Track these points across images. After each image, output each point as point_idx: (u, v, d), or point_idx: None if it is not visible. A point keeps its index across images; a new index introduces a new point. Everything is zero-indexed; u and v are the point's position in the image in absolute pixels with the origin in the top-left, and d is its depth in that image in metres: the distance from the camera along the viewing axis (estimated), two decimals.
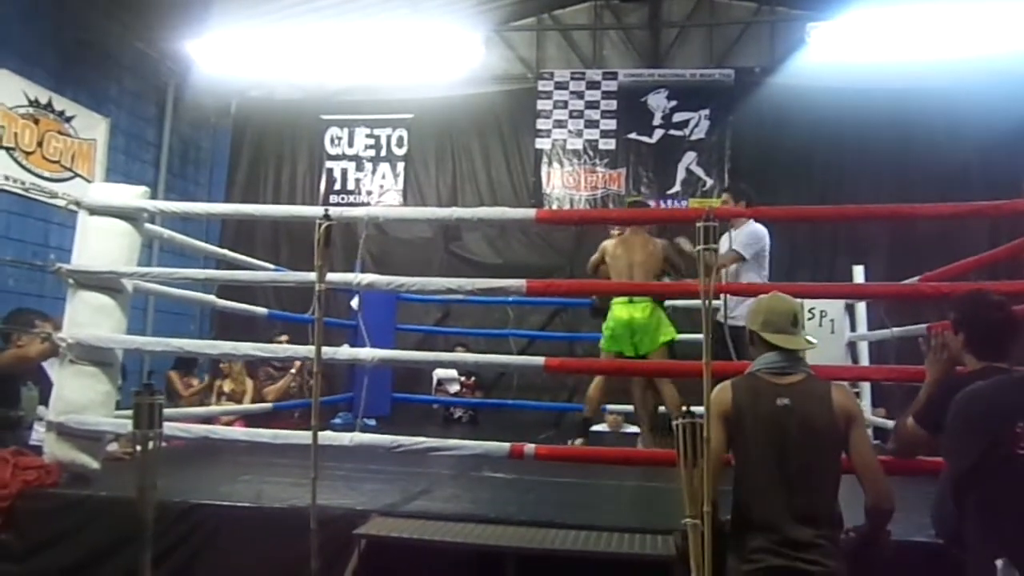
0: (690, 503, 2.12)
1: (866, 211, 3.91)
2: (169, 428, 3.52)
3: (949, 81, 7.55)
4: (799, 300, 2.65)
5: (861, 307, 6.56)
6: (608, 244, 5.35)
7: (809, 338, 2.57)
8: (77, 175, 7.07)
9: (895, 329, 5.61)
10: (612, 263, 5.21)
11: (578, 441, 5.17)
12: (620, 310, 5.08)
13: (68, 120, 7.00)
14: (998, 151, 7.39)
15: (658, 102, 8.60)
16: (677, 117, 8.57)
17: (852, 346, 6.62)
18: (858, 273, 6.83)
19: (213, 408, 5.64)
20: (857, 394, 6.53)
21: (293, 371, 6.56)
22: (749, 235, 5.14)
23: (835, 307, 6.34)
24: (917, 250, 6.86)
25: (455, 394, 7.57)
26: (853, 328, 6.59)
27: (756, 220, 5.11)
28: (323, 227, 2.83)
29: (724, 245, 5.37)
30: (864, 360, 6.72)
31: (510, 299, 5.86)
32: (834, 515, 2.41)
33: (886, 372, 4.04)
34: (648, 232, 5.39)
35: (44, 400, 4.10)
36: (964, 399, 2.34)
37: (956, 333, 2.58)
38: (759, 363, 2.52)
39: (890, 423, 5.95)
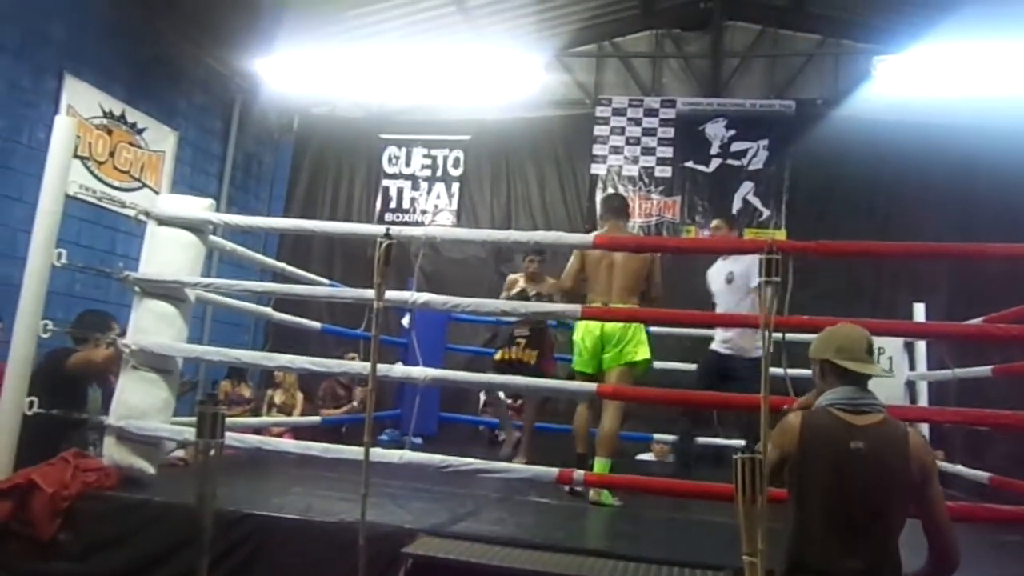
0: (747, 539, 2.06)
1: (931, 248, 3.83)
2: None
3: (1017, 119, 7.37)
4: None
5: (921, 346, 6.40)
6: (582, 256, 4.59)
7: (881, 370, 2.47)
8: (145, 185, 7.29)
9: (957, 370, 5.47)
10: (591, 267, 4.49)
11: (521, 460, 4.90)
12: (592, 325, 4.38)
13: (139, 132, 7.24)
14: None
15: (716, 131, 8.56)
16: (735, 147, 8.51)
17: (911, 385, 6.45)
18: (919, 311, 6.65)
19: (265, 419, 5.73)
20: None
21: (356, 403, 6.60)
22: (755, 262, 4.88)
23: (894, 345, 6.18)
24: (980, 290, 6.67)
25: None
26: (912, 367, 6.43)
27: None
28: (384, 245, 2.86)
29: (721, 274, 5.28)
30: (923, 400, 6.55)
31: (555, 323, 5.66)
32: (894, 560, 2.28)
33: (948, 415, 3.89)
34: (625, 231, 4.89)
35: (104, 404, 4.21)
36: None
37: None
38: (831, 397, 2.35)
39: (949, 466, 5.81)
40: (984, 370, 4.80)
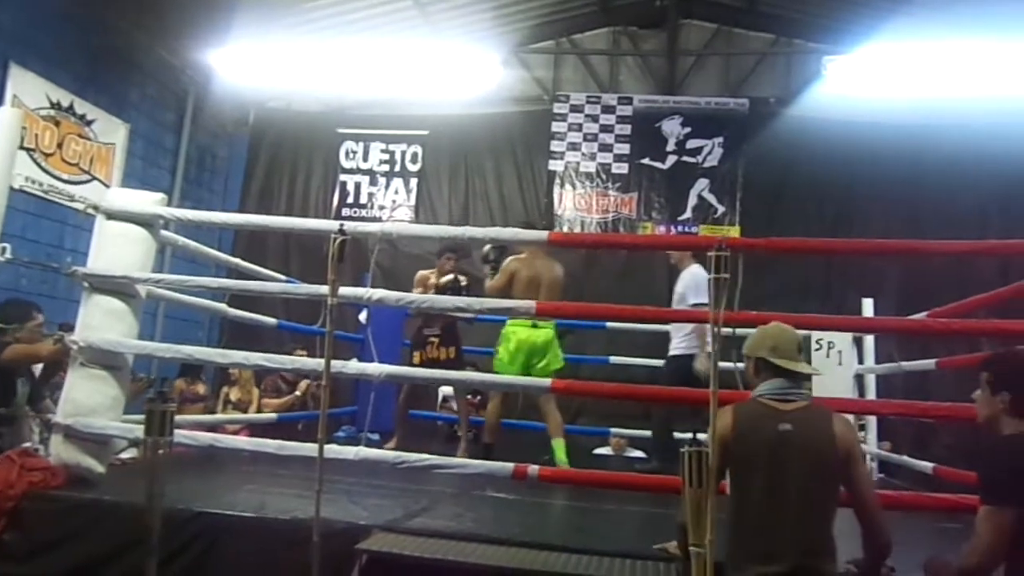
0: (694, 531, 2.12)
1: (879, 246, 3.93)
2: (175, 435, 3.55)
3: (964, 118, 7.59)
4: (805, 331, 2.68)
5: (869, 340, 6.55)
6: (514, 266, 5.11)
7: (809, 367, 2.60)
8: (95, 178, 7.15)
9: (903, 363, 5.62)
10: (518, 285, 5.00)
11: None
12: (523, 332, 4.96)
13: (88, 124, 7.09)
14: (1014, 191, 7.42)
15: (672, 128, 8.65)
16: (691, 144, 8.62)
17: (860, 378, 6.60)
18: (867, 307, 6.81)
19: (219, 416, 5.66)
20: (863, 427, 6.53)
21: (299, 392, 6.53)
22: (700, 281, 5.13)
23: (843, 339, 6.33)
24: (927, 285, 6.85)
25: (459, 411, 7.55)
26: (861, 361, 6.58)
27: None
28: (337, 242, 2.85)
29: (679, 286, 5.53)
30: (871, 393, 6.70)
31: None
32: (830, 546, 2.41)
33: (893, 407, 4.01)
34: (549, 254, 5.26)
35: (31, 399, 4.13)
36: None
37: (995, 394, 2.46)
38: (763, 389, 2.54)
39: (895, 456, 5.97)
40: (928, 363, 4.95)
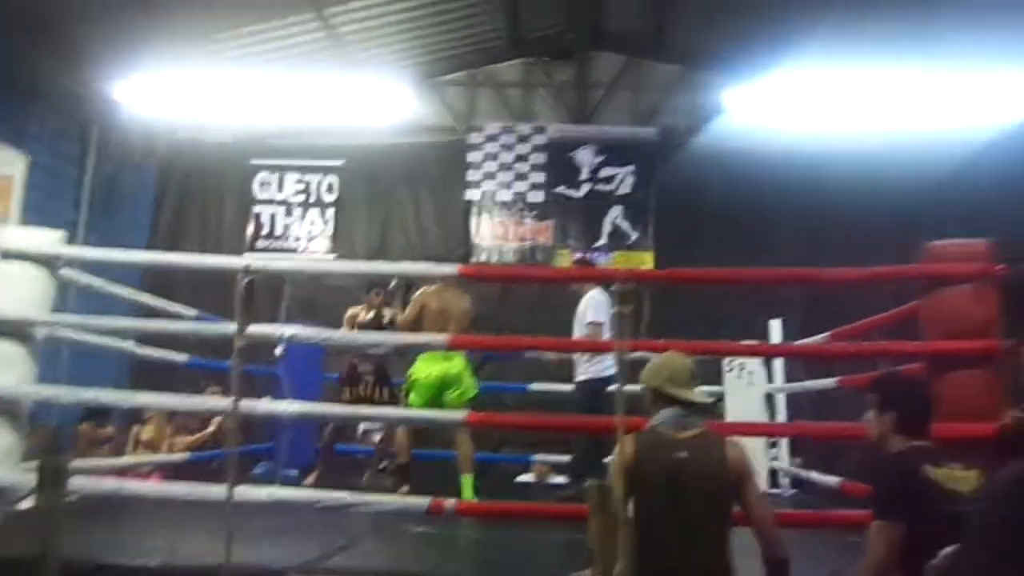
0: (599, 562, 2.17)
1: (779, 275, 4.12)
2: (79, 483, 3.42)
3: (862, 146, 7.98)
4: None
5: (779, 360, 6.80)
6: (423, 299, 5.24)
7: (702, 395, 2.71)
8: None
9: (808, 382, 5.86)
10: (428, 316, 5.15)
11: (404, 488, 5.08)
12: (431, 365, 5.04)
13: None
14: (909, 213, 7.85)
15: (585, 157, 8.84)
16: (604, 172, 8.82)
17: (770, 397, 6.84)
18: (775, 327, 7.09)
19: (127, 459, 5.45)
20: (775, 445, 6.75)
21: (211, 429, 6.34)
22: (599, 302, 5.45)
23: (753, 360, 6.58)
24: (830, 306, 7.10)
25: (379, 444, 7.47)
26: (771, 380, 6.83)
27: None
28: (244, 282, 2.81)
29: (580, 308, 5.74)
30: (781, 411, 6.95)
31: None
32: (730, 566, 2.51)
33: (797, 429, 4.17)
34: (458, 286, 5.42)
35: None
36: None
37: (882, 414, 2.58)
38: (659, 418, 2.64)
39: (806, 473, 6.19)
40: (830, 382, 5.16)
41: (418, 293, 5.28)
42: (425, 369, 5.05)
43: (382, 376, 5.87)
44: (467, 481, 4.93)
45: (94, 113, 8.10)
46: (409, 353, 5.10)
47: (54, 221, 7.38)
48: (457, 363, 5.10)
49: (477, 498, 4.77)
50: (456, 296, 5.30)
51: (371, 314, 5.73)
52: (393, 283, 5.51)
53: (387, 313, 5.74)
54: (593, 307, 5.45)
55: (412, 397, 5.14)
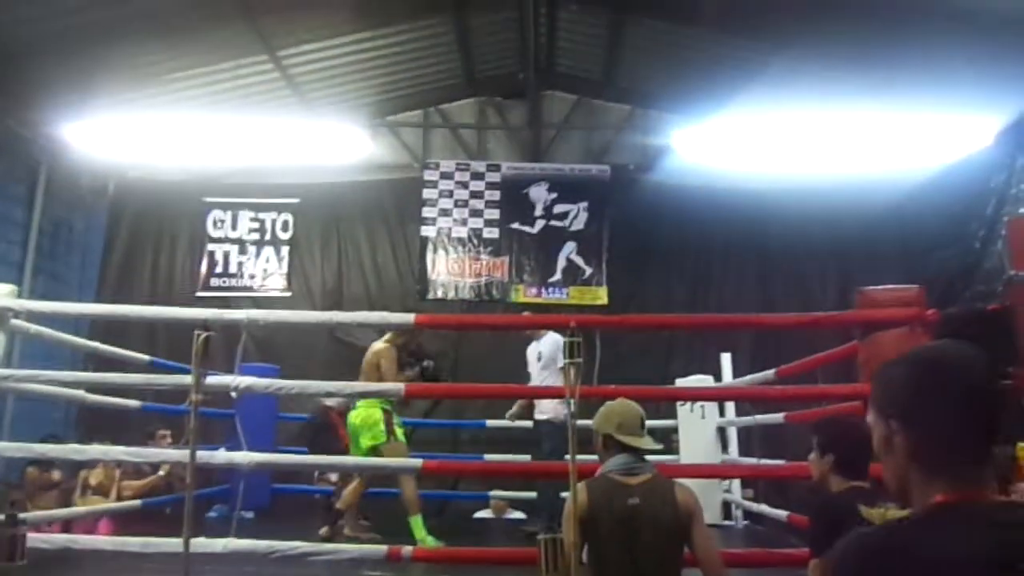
0: None
1: (724, 321, 4.26)
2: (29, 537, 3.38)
3: (805, 185, 8.29)
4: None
5: None
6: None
7: (652, 442, 2.79)
8: None
9: (757, 416, 6.02)
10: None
11: (324, 530, 5.15)
12: (353, 415, 5.23)
13: None
14: (851, 251, 8.15)
15: (539, 194, 8.99)
16: (557, 208, 8.97)
17: (722, 431, 6.99)
18: (725, 361, 7.25)
19: (76, 509, 5.35)
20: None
21: (162, 472, 6.24)
22: (556, 344, 5.65)
23: None
24: (777, 338, 7.36)
25: (336, 483, 7.42)
26: (722, 414, 6.98)
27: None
28: (201, 338, 2.85)
29: (533, 353, 6.06)
30: (733, 443, 7.09)
31: None
32: None
33: (746, 470, 4.29)
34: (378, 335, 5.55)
35: None
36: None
37: (822, 456, 2.67)
38: (611, 465, 2.71)
39: (756, 506, 6.33)
40: (777, 417, 5.33)
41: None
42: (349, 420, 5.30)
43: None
44: (416, 522, 4.97)
45: (42, 154, 8.01)
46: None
47: (0, 263, 7.31)
48: (360, 413, 5.13)
49: (431, 536, 4.84)
50: (370, 349, 5.36)
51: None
52: (427, 362, 5.65)
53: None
54: (553, 346, 5.71)
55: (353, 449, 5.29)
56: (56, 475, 6.43)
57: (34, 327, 4.41)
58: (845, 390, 3.56)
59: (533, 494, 7.02)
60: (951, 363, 1.17)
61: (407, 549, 3.40)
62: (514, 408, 6.27)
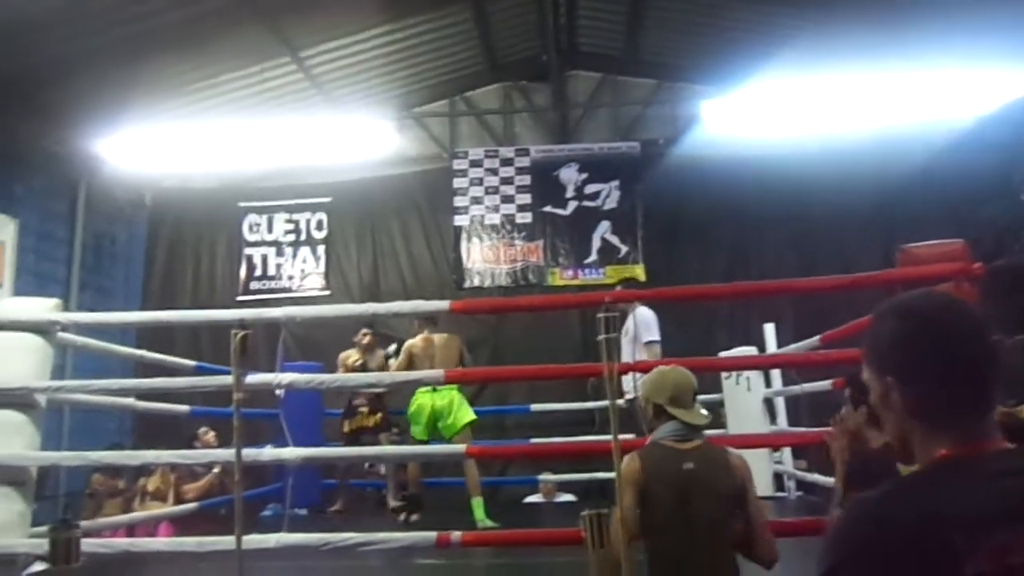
0: None
1: (760, 287, 4.18)
2: (89, 544, 3.47)
3: (842, 147, 8.09)
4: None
5: None
6: (411, 345, 5.74)
7: (703, 412, 2.74)
8: None
9: (804, 385, 5.93)
10: (417, 362, 5.62)
11: (413, 517, 5.57)
12: (423, 398, 5.46)
13: None
14: (893, 212, 7.95)
15: (569, 175, 8.93)
16: (589, 189, 8.90)
17: (769, 402, 6.90)
18: (769, 331, 7.15)
19: (135, 515, 5.47)
20: (779, 448, 6.80)
21: (216, 470, 6.39)
22: (642, 319, 5.52)
23: None
24: (822, 306, 7.18)
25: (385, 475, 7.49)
26: (768, 385, 6.89)
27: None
28: (239, 336, 2.88)
29: (626, 328, 5.79)
30: (781, 414, 7.00)
31: None
32: (737, 571, 2.56)
33: (791, 438, 4.23)
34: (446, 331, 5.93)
35: None
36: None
37: (856, 409, 2.64)
38: (662, 432, 2.65)
39: (809, 476, 6.24)
40: (824, 385, 5.23)
41: (406, 344, 5.78)
42: (418, 403, 5.48)
43: (375, 405, 6.38)
44: (477, 503, 5.29)
45: (80, 171, 8.19)
46: (406, 389, 5.42)
47: (47, 282, 7.51)
48: (445, 395, 5.44)
49: (489, 519, 5.11)
50: (442, 341, 5.75)
51: (360, 361, 6.35)
52: (392, 347, 6.35)
53: (371, 361, 6.38)
54: (644, 326, 5.52)
55: (413, 428, 5.53)
56: (121, 483, 6.62)
57: (81, 339, 4.51)
58: None
59: (582, 475, 7.07)
60: (938, 315, 1.13)
61: (456, 534, 3.41)
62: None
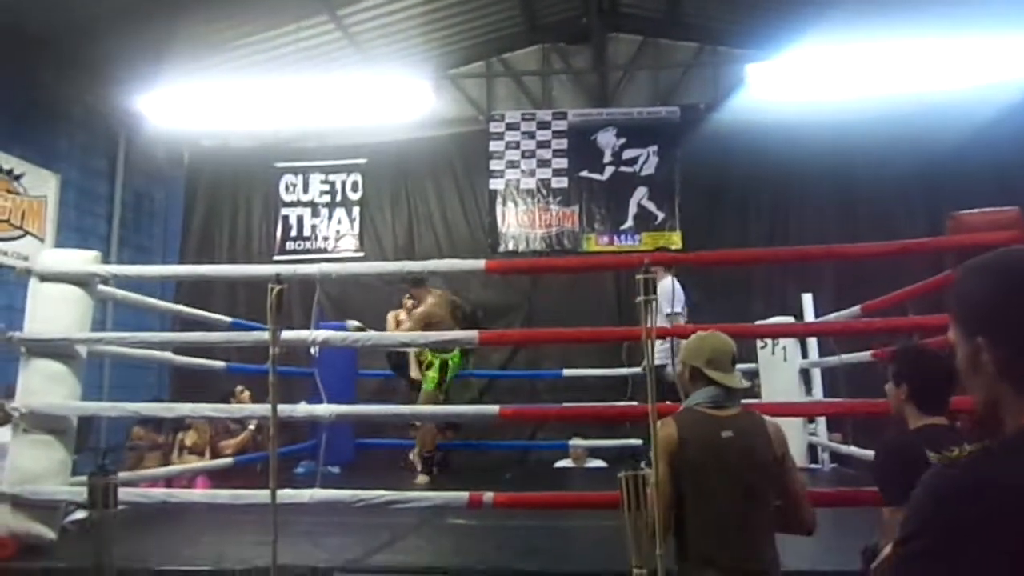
0: (636, 552, 2.19)
1: (801, 253, 4.08)
2: (128, 495, 3.53)
3: (885, 113, 7.85)
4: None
5: None
6: (430, 310, 5.88)
7: (742, 378, 2.68)
8: (28, 233, 7.01)
9: (843, 356, 5.81)
10: (440, 324, 5.69)
11: (424, 479, 5.95)
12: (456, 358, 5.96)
13: (17, 178, 6.96)
14: (937, 179, 7.71)
15: (607, 140, 8.80)
16: (627, 154, 8.77)
17: (805, 372, 6.80)
18: (807, 301, 7.03)
19: (172, 468, 5.59)
20: (813, 419, 6.72)
21: (252, 427, 6.49)
22: (664, 291, 5.33)
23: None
24: (863, 276, 7.03)
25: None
26: (805, 355, 6.79)
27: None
28: (275, 291, 2.87)
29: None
30: (817, 386, 6.91)
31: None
32: (775, 542, 2.49)
33: (826, 408, 4.16)
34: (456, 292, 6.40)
35: None
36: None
37: (897, 386, 2.55)
38: (698, 397, 2.58)
39: (844, 448, 6.16)
40: (864, 355, 5.12)
41: (421, 308, 5.97)
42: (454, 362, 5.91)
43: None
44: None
45: (120, 128, 8.27)
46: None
47: (88, 237, 7.61)
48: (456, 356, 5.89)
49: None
50: (447, 299, 6.02)
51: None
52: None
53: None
54: (665, 297, 5.38)
55: (431, 385, 5.85)
56: (160, 437, 6.75)
57: (121, 292, 4.56)
58: (940, 321, 3.36)
59: (612, 441, 7.05)
60: None
61: (488, 495, 3.41)
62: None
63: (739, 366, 2.74)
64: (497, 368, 8.13)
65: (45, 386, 3.69)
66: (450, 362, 5.98)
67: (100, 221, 8.14)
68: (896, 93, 7.66)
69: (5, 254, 6.67)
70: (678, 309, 5.48)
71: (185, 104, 7.80)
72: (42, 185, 7.24)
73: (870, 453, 5.12)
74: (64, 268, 3.82)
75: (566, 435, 7.35)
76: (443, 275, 5.78)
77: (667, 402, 3.32)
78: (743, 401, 2.65)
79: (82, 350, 3.87)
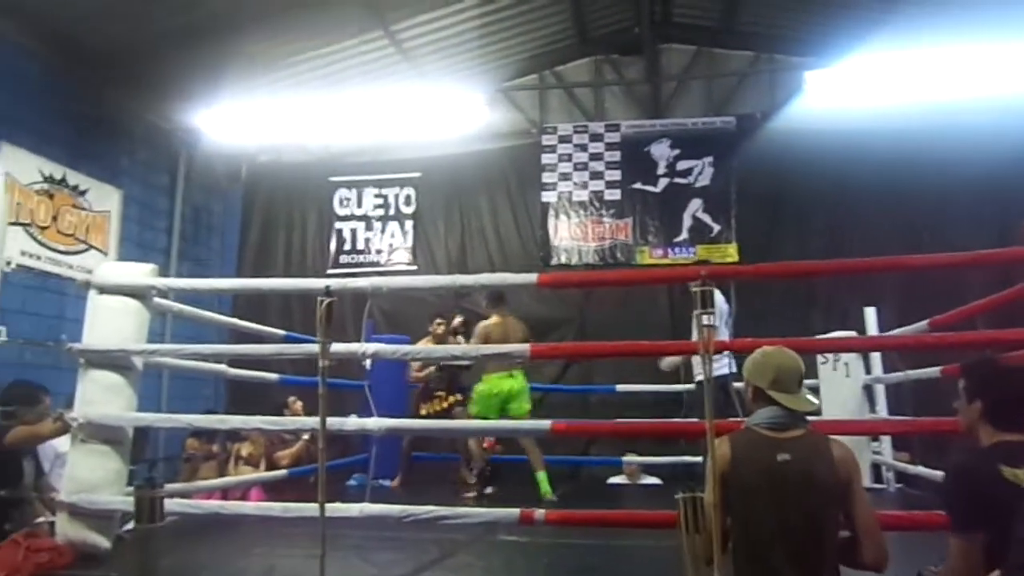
0: (692, 572, 2.10)
1: (864, 264, 3.91)
2: (181, 505, 3.56)
3: (952, 120, 7.57)
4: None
5: None
6: (488, 329, 5.92)
7: (811, 398, 2.54)
8: (91, 247, 7.20)
9: (909, 372, 5.58)
10: (494, 341, 5.72)
11: (471, 493, 5.96)
12: (501, 382, 5.80)
13: (82, 194, 7.15)
14: (1007, 188, 7.40)
15: (661, 151, 8.68)
16: (681, 165, 8.64)
17: (868, 389, 6.57)
18: (870, 315, 6.80)
19: (228, 479, 5.64)
20: (878, 438, 6.47)
21: (306, 437, 6.54)
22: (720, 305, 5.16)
23: None
24: (928, 290, 6.76)
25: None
26: (868, 371, 6.55)
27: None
28: (324, 304, 2.86)
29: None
30: (881, 403, 6.66)
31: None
32: (834, 570, 2.36)
33: (889, 426, 3.98)
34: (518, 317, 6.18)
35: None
36: None
37: (970, 403, 2.42)
38: (758, 417, 2.46)
39: (912, 468, 5.91)
40: (933, 371, 4.90)
41: (481, 326, 5.98)
42: (490, 386, 5.79)
43: (452, 387, 6.61)
44: (542, 478, 5.62)
45: (180, 144, 8.47)
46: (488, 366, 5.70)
47: (148, 251, 7.79)
48: (519, 380, 5.84)
49: (552, 492, 5.54)
50: (515, 324, 5.95)
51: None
52: (457, 320, 6.61)
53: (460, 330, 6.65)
54: (716, 314, 5.31)
55: (473, 408, 5.83)
56: (215, 447, 6.84)
57: (177, 305, 4.63)
58: (1017, 335, 3.18)
59: (667, 459, 6.90)
60: None
61: (540, 512, 3.34)
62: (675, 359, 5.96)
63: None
64: (549, 382, 8.05)
65: (102, 396, 3.75)
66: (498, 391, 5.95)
67: (161, 235, 8.33)
68: (960, 98, 7.40)
69: (70, 267, 6.84)
70: (716, 323, 5.31)
71: (242, 120, 7.96)
72: (105, 200, 7.43)
73: (939, 473, 4.95)
74: (122, 281, 3.89)
75: (619, 451, 7.23)
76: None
77: (729, 419, 3.21)
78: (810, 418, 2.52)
79: (138, 361, 3.92)
